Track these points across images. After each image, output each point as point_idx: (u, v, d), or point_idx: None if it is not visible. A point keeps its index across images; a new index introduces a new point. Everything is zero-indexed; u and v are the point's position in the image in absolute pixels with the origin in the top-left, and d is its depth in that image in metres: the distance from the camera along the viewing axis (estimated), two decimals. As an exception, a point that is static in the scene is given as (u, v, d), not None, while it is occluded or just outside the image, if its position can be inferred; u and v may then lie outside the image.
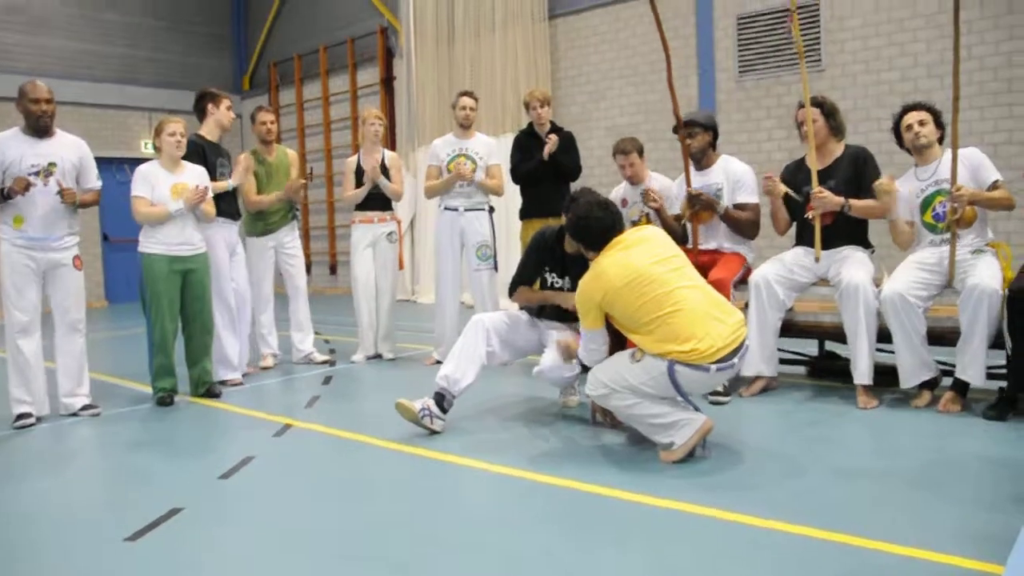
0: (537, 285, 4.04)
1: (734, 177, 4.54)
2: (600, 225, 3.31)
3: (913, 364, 3.81)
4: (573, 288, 3.69)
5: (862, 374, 3.91)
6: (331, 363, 5.77)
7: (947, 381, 3.90)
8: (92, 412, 4.37)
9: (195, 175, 4.66)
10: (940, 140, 4.01)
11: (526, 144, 5.46)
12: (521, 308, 4.13)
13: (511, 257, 7.71)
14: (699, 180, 4.58)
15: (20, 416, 4.17)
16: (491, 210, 5.61)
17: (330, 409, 4.42)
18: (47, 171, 4.18)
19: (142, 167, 4.59)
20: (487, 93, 9.64)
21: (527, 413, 4.11)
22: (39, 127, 4.20)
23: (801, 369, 4.79)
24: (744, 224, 4.51)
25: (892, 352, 3.89)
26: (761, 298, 4.16)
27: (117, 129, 12.26)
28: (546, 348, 3.88)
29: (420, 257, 10.60)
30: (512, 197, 6.07)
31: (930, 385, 3.88)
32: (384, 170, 5.61)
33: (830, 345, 4.63)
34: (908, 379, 3.84)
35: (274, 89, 13.30)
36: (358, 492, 3.03)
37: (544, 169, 5.28)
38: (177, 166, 4.61)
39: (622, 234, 3.32)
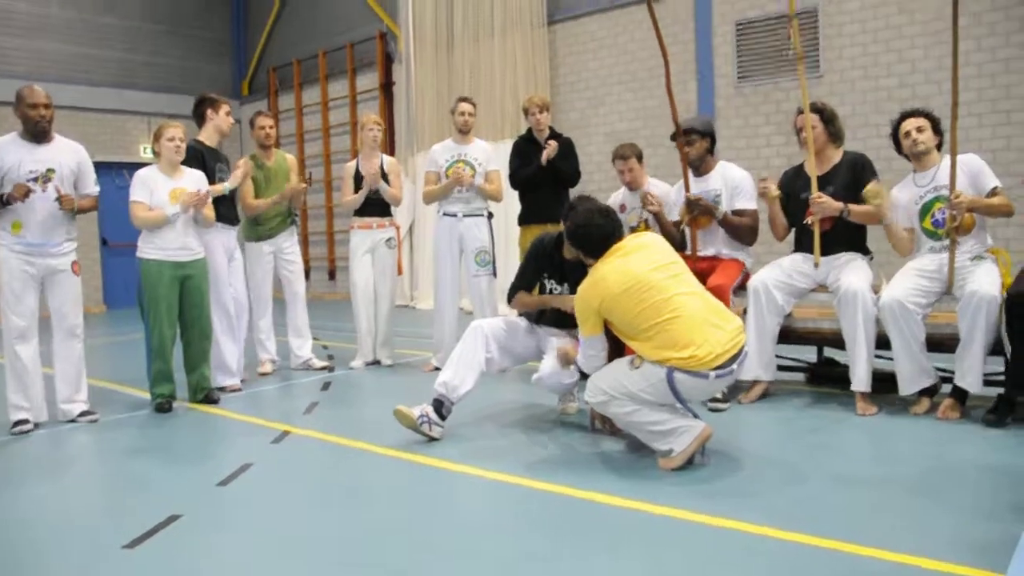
0: (536, 291, 4.04)
1: (732, 183, 4.55)
2: (600, 232, 3.30)
3: (912, 371, 3.81)
4: (572, 294, 3.69)
5: (861, 381, 3.90)
6: (330, 369, 5.76)
7: (946, 388, 3.90)
8: (90, 418, 4.36)
9: (194, 180, 4.66)
10: (939, 146, 4.02)
11: (525, 150, 5.45)
12: (520, 314, 4.12)
13: (510, 263, 7.72)
14: (698, 186, 4.59)
15: (18, 422, 4.16)
16: (490, 216, 5.62)
17: (328, 415, 4.41)
18: (45, 177, 4.17)
19: (141, 172, 4.58)
20: (486, 99, 9.64)
21: (526, 420, 4.11)
22: (37, 132, 4.19)
23: (800, 376, 4.78)
24: (743, 230, 4.51)
25: (891, 359, 3.89)
26: (760, 303, 4.16)
27: (115, 134, 12.24)
28: (545, 355, 3.87)
29: (419, 263, 10.60)
30: (511, 203, 6.06)
31: (929, 392, 3.88)
32: (383, 175, 5.62)
33: (829, 351, 4.63)
34: (907, 386, 3.84)
35: (273, 94, 13.32)
36: (356, 499, 3.03)
37: (543, 175, 5.28)
38: (176, 171, 4.61)
39: (621, 241, 3.32)
